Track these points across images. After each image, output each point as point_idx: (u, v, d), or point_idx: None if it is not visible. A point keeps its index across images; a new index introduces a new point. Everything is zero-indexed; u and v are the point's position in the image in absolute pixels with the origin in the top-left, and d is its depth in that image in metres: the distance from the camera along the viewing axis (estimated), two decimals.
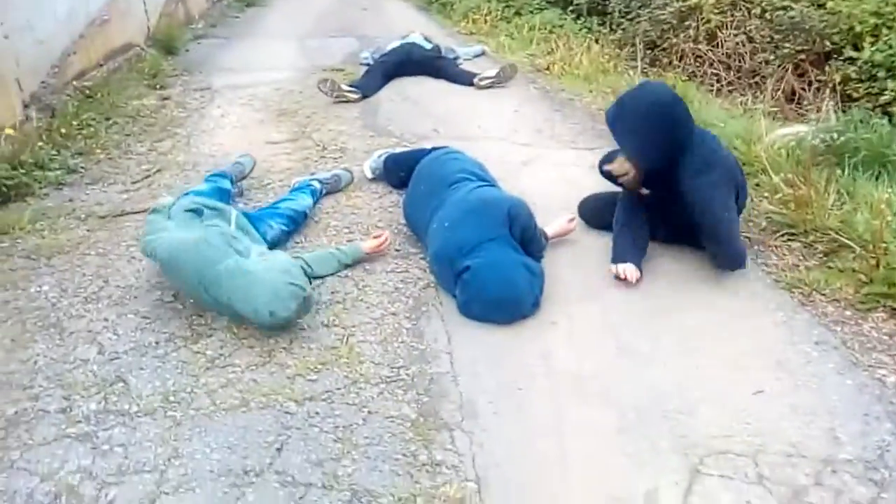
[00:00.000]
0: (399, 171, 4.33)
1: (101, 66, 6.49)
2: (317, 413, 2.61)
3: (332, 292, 3.33)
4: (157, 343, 2.98)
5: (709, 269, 3.51)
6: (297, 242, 3.83)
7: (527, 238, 3.34)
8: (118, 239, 3.83)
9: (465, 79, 6.69)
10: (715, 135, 3.72)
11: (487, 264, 3.16)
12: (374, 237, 3.67)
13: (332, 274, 3.46)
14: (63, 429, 2.54)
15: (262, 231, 3.59)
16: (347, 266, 3.52)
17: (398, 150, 4.75)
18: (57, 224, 3.98)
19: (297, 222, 3.88)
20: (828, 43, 6.39)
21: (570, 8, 9.67)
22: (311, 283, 3.17)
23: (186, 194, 3.62)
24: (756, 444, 2.46)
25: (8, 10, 4.92)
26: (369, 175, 4.55)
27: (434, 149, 4.23)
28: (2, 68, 4.81)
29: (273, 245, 3.59)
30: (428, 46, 7.20)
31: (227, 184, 4.01)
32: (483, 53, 7.98)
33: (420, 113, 5.88)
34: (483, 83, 6.51)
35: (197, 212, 3.39)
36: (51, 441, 2.49)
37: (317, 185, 4.23)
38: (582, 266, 3.59)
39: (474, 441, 2.50)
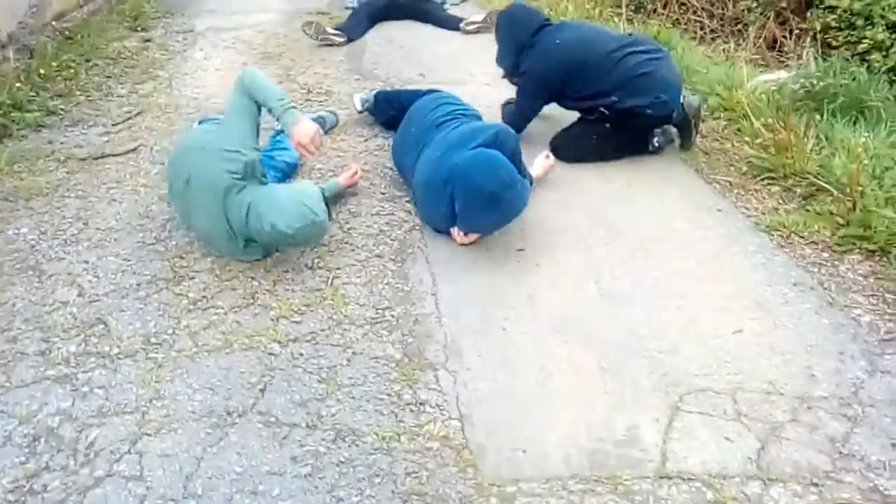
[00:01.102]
0: (390, 110, 4.27)
1: (81, 7, 6.34)
2: (301, 354, 2.62)
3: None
4: (138, 285, 2.97)
5: (690, 211, 3.53)
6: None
7: (515, 164, 3.32)
8: (98, 181, 3.78)
9: (452, 24, 6.58)
10: (558, 31, 4.12)
11: (475, 154, 3.16)
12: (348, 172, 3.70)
13: None
14: (42, 371, 2.54)
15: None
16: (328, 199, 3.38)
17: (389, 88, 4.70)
18: (36, 166, 3.92)
19: (288, 174, 3.84)
20: None
21: None
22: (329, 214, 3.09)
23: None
24: (735, 381, 2.50)
25: None
26: (359, 107, 4.48)
27: (428, 91, 4.18)
28: None
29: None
30: None
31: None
32: None
33: (406, 57, 5.79)
34: (469, 28, 6.41)
35: None
36: (29, 383, 2.49)
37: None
38: (566, 208, 3.59)
39: (458, 380, 2.52)
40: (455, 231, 3.26)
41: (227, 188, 2.92)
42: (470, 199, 3.11)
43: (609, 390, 2.48)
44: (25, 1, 5.49)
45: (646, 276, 3.08)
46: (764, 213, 3.55)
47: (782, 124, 3.97)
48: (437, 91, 4.13)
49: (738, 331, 2.75)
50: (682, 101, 3.93)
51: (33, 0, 5.59)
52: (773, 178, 3.83)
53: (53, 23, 5.79)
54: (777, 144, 3.90)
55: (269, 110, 3.11)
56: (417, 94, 4.14)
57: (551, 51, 3.95)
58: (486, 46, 5.30)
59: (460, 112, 3.74)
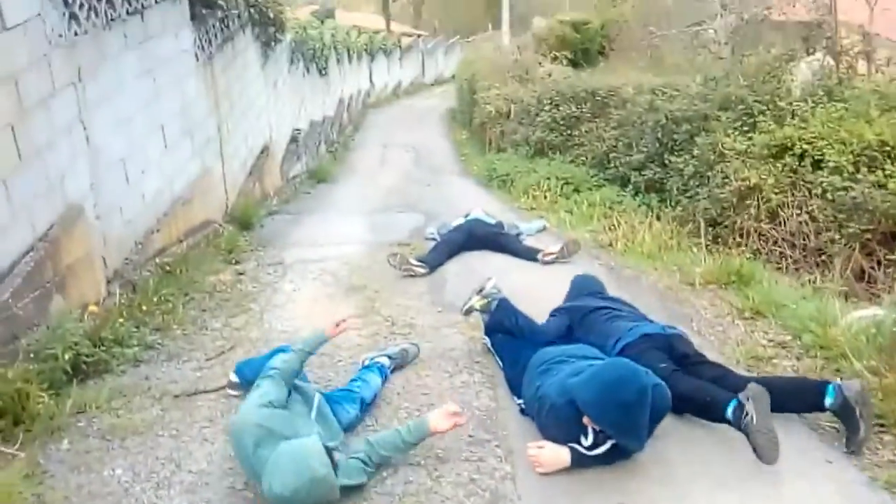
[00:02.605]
0: (513, 317, 4.45)
1: (181, 241, 6.77)
2: None
3: (406, 482, 3.26)
4: None
5: (797, 462, 3.36)
6: (369, 426, 3.80)
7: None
8: (191, 419, 3.86)
9: (529, 254, 6.80)
10: None
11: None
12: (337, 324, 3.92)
13: (398, 453, 3.39)
14: None
15: (339, 415, 3.62)
16: (410, 444, 3.40)
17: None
18: (132, 403, 4.03)
19: (368, 405, 3.88)
20: (893, 223, 6.39)
21: (628, 186, 9.94)
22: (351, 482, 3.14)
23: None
24: None
25: (101, 194, 5.23)
26: (477, 306, 4.60)
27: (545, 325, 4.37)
28: (90, 247, 5.03)
29: (347, 429, 3.61)
30: (491, 222, 7.39)
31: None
32: (544, 228, 8.14)
33: None
34: (547, 259, 6.60)
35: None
36: None
37: (386, 361, 4.28)
38: (663, 456, 3.46)
39: None
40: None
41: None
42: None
43: None
44: (132, 238, 5.88)
45: None
46: (880, 466, 3.34)
47: (887, 367, 3.85)
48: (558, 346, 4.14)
49: None
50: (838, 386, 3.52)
51: (139, 237, 6.00)
52: (883, 426, 3.61)
53: (156, 258, 6.17)
54: (884, 389, 3.75)
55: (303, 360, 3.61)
56: (535, 327, 4.38)
57: None
58: (564, 277, 5.45)
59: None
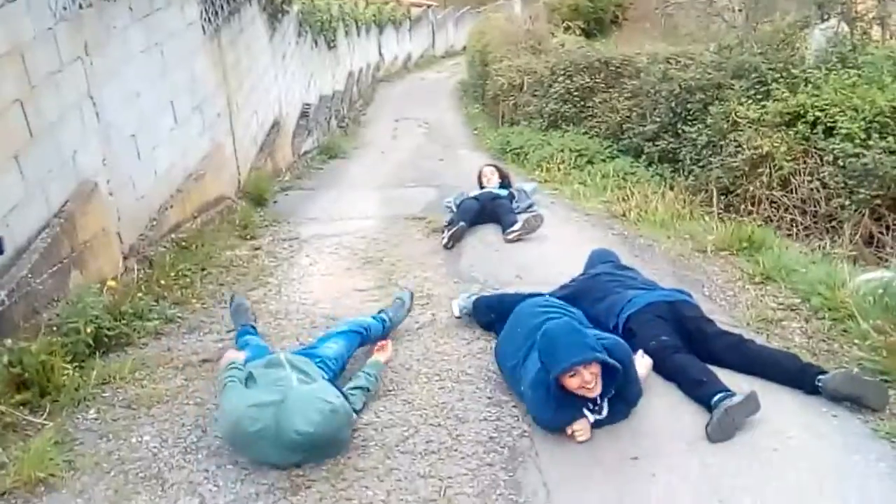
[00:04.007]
0: (490, 313, 4.42)
1: (195, 217, 6.82)
2: None
3: (427, 441, 3.35)
4: (256, 494, 3.03)
5: (805, 417, 3.43)
6: (390, 391, 3.86)
7: (623, 382, 3.37)
8: (214, 388, 3.92)
9: (506, 226, 6.75)
10: None
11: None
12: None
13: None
14: None
15: (321, 356, 3.75)
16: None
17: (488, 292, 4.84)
18: (156, 373, 4.11)
19: (352, 336, 4.06)
20: None
21: (642, 156, 9.93)
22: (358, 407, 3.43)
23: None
24: None
25: (114, 170, 5.29)
26: (457, 313, 4.65)
27: (531, 295, 4.31)
28: (106, 223, 5.11)
29: (343, 361, 3.90)
30: (503, 194, 7.41)
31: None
32: (535, 190, 8.11)
33: (502, 260, 6.01)
34: (510, 237, 6.55)
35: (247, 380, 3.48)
36: None
37: (384, 317, 4.41)
38: (675, 413, 3.54)
39: None
40: (570, 429, 3.29)
41: None
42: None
43: None
44: (147, 214, 5.95)
45: (766, 489, 2.97)
46: (882, 419, 3.41)
47: (893, 326, 3.91)
48: (543, 296, 4.25)
49: None
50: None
51: (153, 213, 6.06)
52: (887, 381, 3.69)
53: (171, 234, 6.23)
54: (889, 347, 3.82)
55: None
56: (520, 298, 4.27)
57: None
58: (579, 248, 5.49)
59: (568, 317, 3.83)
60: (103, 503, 2.99)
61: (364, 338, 4.17)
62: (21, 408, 3.54)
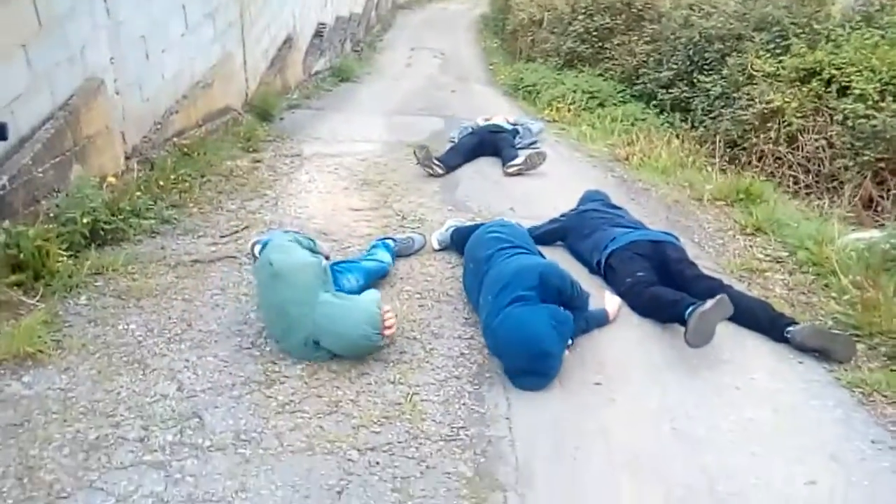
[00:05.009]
0: (463, 243, 4.49)
1: (200, 126, 6.85)
2: (377, 463, 2.74)
3: (401, 352, 3.48)
4: (232, 385, 3.16)
5: (771, 362, 3.54)
6: None
7: (565, 298, 3.46)
8: (203, 287, 4.06)
9: (507, 159, 6.77)
10: None
11: (506, 317, 3.33)
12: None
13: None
14: (140, 456, 2.72)
15: (339, 283, 3.80)
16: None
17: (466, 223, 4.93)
18: (148, 269, 4.22)
19: (371, 276, 4.09)
20: None
21: (654, 103, 9.89)
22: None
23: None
24: None
25: (121, 69, 5.32)
26: (436, 246, 4.74)
27: (480, 225, 4.42)
28: (110, 120, 5.15)
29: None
30: (507, 128, 7.42)
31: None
32: (541, 131, 8.09)
33: (497, 191, 6.07)
34: (511, 170, 6.59)
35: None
36: (127, 466, 2.67)
37: (391, 243, 4.49)
38: (645, 346, 3.66)
39: (526, 503, 2.57)
40: None
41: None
42: (502, 356, 3.38)
43: None
44: (151, 117, 6.01)
45: (721, 421, 3.10)
46: (846, 370, 3.53)
47: (871, 283, 4.00)
48: (489, 224, 4.37)
49: (812, 482, 2.74)
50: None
51: (158, 117, 6.12)
52: (858, 336, 3.80)
53: (174, 139, 6.29)
54: (864, 302, 3.92)
55: None
56: (477, 227, 4.38)
57: None
58: (575, 185, 5.56)
59: (508, 245, 3.93)
60: (87, 381, 3.13)
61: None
62: (15, 288, 3.66)
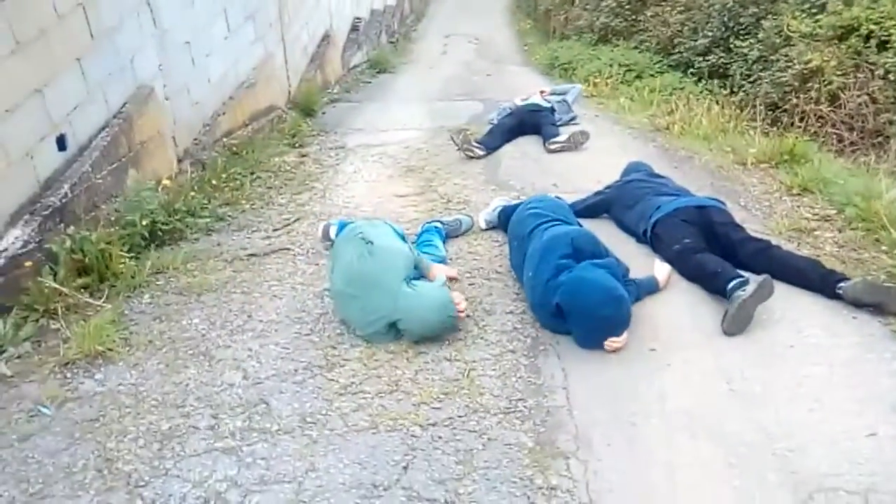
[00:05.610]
0: (508, 222, 4.55)
1: (247, 125, 7.03)
2: (440, 437, 2.82)
3: (455, 330, 3.55)
4: (295, 371, 3.28)
5: (825, 318, 3.53)
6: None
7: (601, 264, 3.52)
8: (261, 279, 4.19)
9: (548, 137, 6.78)
10: None
11: (573, 278, 3.39)
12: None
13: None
14: (211, 443, 2.85)
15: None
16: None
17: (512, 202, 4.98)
18: (206, 265, 4.37)
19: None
20: None
21: (691, 71, 9.81)
22: None
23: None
24: (868, 483, 2.50)
25: (169, 76, 5.50)
26: (483, 226, 4.79)
27: (521, 203, 4.46)
28: (161, 126, 5.34)
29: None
30: (546, 106, 7.43)
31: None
32: (579, 94, 8.10)
33: (539, 169, 6.10)
34: (554, 147, 6.58)
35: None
36: (201, 453, 2.80)
37: (440, 225, 4.59)
38: (697, 310, 3.67)
39: (588, 469, 2.65)
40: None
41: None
42: (580, 316, 3.37)
43: (736, 486, 2.53)
44: (200, 120, 6.18)
45: (777, 379, 3.11)
46: None
47: None
48: (529, 199, 4.42)
49: (872, 434, 2.74)
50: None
51: (206, 119, 6.29)
52: None
53: (223, 139, 6.47)
54: None
55: None
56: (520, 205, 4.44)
57: None
58: (617, 158, 5.56)
59: (546, 220, 3.98)
60: (155, 375, 3.28)
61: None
62: (82, 291, 3.84)
